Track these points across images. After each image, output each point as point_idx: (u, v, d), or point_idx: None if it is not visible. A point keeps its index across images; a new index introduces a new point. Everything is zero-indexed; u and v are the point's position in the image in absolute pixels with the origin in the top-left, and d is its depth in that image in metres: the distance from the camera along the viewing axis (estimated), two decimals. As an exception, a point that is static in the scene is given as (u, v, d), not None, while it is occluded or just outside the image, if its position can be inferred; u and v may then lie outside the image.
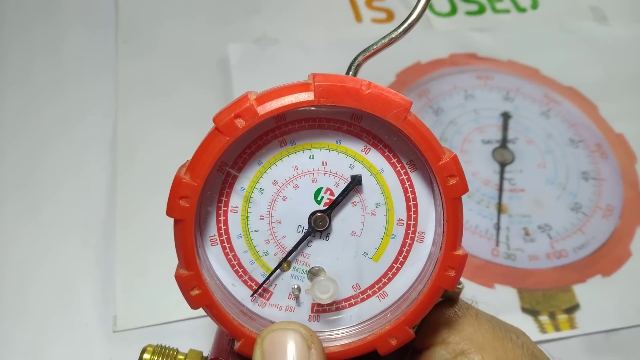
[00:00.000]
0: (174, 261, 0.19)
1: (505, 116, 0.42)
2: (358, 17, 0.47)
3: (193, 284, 0.19)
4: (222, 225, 0.20)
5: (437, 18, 0.48)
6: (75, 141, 0.39)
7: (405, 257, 0.21)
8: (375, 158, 0.20)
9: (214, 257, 0.20)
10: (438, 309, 0.22)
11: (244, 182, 0.20)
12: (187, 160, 0.18)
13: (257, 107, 0.18)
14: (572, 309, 0.34)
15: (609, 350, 0.33)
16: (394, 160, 0.20)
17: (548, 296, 0.34)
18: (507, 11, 0.49)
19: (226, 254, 0.20)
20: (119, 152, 0.38)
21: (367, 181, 0.20)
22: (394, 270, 0.21)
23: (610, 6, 0.51)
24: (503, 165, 0.39)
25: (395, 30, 0.24)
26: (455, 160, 0.19)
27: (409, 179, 0.20)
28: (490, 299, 0.34)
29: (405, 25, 0.24)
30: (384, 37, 0.23)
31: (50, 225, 0.35)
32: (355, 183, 0.20)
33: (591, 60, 0.46)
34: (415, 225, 0.21)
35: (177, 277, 0.19)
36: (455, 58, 0.45)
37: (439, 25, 0.47)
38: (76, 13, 0.45)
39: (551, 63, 0.45)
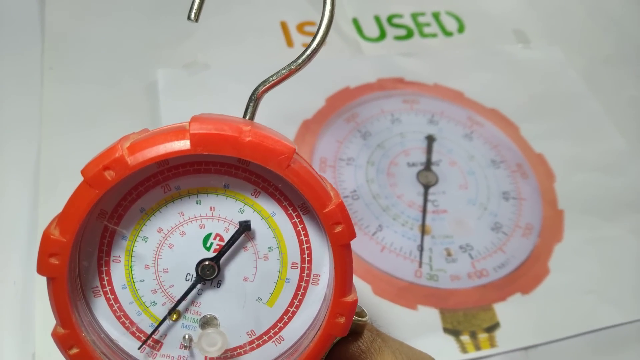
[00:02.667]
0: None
1: (430, 139, 0.42)
2: (289, 43, 0.47)
3: (71, 343, 0.18)
4: (104, 276, 0.19)
5: (367, 43, 0.48)
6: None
7: (300, 301, 0.20)
8: (266, 202, 0.19)
9: (98, 309, 0.19)
10: (342, 344, 0.21)
11: (126, 231, 0.19)
12: (58, 214, 0.17)
13: (128, 158, 0.17)
14: (492, 327, 0.34)
15: (527, 367, 0.33)
16: (285, 203, 0.20)
17: (469, 316, 0.34)
18: (434, 35, 0.50)
19: (110, 306, 0.19)
20: (42, 182, 0.37)
21: (258, 225, 0.20)
22: (289, 314, 0.20)
23: (533, 29, 0.52)
24: (427, 187, 0.39)
25: (294, 61, 0.23)
26: (340, 207, 0.18)
27: (301, 222, 0.20)
28: (413, 321, 0.34)
29: (304, 56, 0.23)
30: (284, 68, 0.23)
31: (-35, 260, 0.34)
32: (243, 229, 0.19)
33: (514, 82, 0.47)
34: (309, 268, 0.20)
35: (54, 336, 0.18)
36: (383, 82, 0.45)
37: (368, 50, 0.47)
38: (1, 37, 0.43)
39: (475, 86, 0.46)
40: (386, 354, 0.22)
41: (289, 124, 0.41)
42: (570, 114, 0.46)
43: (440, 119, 0.43)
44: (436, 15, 0.51)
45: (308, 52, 0.23)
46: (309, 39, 0.47)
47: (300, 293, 0.20)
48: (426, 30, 0.50)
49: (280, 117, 0.41)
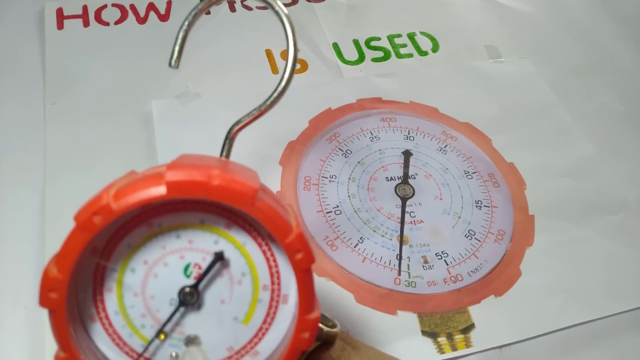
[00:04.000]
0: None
1: (407, 154, 0.44)
2: (274, 69, 0.50)
3: None
4: (99, 304, 0.22)
5: (347, 66, 0.51)
6: (5, 205, 0.40)
7: (272, 318, 0.22)
8: (238, 233, 0.22)
9: (95, 333, 0.22)
10: (315, 354, 0.24)
11: (116, 264, 0.21)
12: (56, 253, 0.20)
13: (113, 204, 0.19)
14: (467, 328, 0.36)
15: (501, 364, 0.35)
16: (254, 233, 0.22)
17: (445, 318, 0.36)
18: (410, 55, 0.52)
19: (106, 330, 0.22)
20: (48, 212, 0.39)
21: (232, 254, 0.22)
22: (263, 330, 0.22)
23: (504, 44, 0.54)
24: (404, 199, 0.42)
25: (264, 103, 0.26)
26: (299, 236, 0.20)
27: (269, 249, 0.22)
28: (393, 325, 0.36)
29: (272, 98, 0.26)
30: (254, 109, 0.25)
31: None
32: (217, 259, 0.21)
33: (486, 96, 0.49)
34: (279, 289, 0.22)
35: (56, 359, 0.20)
36: (362, 102, 0.48)
37: (348, 72, 0.50)
38: (4, 76, 0.46)
39: (449, 102, 0.48)
40: None
41: (276, 146, 0.44)
42: (540, 124, 0.48)
43: (416, 134, 0.46)
44: (411, 36, 0.54)
45: (275, 94, 0.26)
46: (293, 65, 0.50)
47: (272, 311, 0.22)
48: (402, 51, 0.52)
49: (269, 140, 0.44)
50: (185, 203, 0.21)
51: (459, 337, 0.35)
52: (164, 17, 0.52)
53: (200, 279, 0.21)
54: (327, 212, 0.40)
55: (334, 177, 0.43)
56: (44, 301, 0.20)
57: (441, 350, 0.35)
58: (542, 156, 0.45)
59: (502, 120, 0.48)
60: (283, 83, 0.25)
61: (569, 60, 0.55)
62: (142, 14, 0.52)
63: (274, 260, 0.22)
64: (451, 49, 0.53)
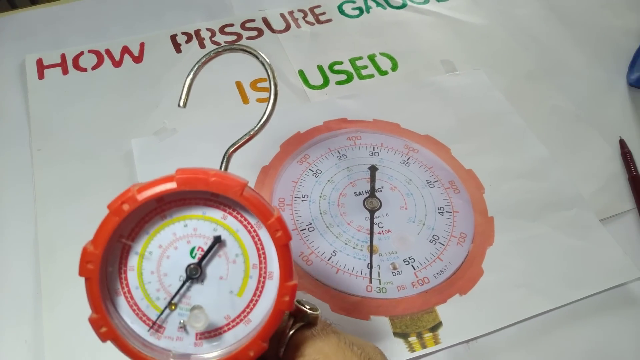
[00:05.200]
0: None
1: (372, 169, 0.47)
2: (245, 100, 0.53)
3: (101, 324, 0.26)
4: (123, 280, 0.27)
5: (312, 91, 0.54)
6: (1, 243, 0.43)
7: (261, 291, 0.27)
8: (232, 222, 0.27)
9: (119, 304, 0.27)
10: (299, 331, 0.28)
11: (137, 247, 0.27)
12: (92, 237, 0.26)
13: (137, 195, 0.25)
14: (435, 327, 0.39)
15: (469, 357, 0.38)
16: (245, 222, 0.27)
17: (415, 319, 0.39)
18: (371, 76, 0.56)
19: (128, 301, 0.27)
20: (41, 251, 0.42)
21: (228, 239, 0.27)
22: (254, 302, 0.27)
23: (458, 57, 0.58)
24: (372, 212, 0.45)
25: (253, 128, 0.31)
26: (279, 219, 0.26)
27: (257, 235, 0.27)
28: (366, 330, 0.39)
29: (261, 122, 0.31)
30: (246, 133, 0.31)
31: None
32: (215, 242, 0.27)
33: (443, 109, 0.53)
34: (265, 267, 0.27)
35: (90, 320, 0.26)
36: (329, 124, 0.51)
37: (314, 97, 0.53)
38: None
39: (410, 116, 0.51)
40: (332, 337, 0.28)
41: (251, 171, 0.47)
42: (496, 131, 0.51)
43: (380, 150, 0.49)
44: (372, 58, 0.57)
45: (263, 119, 0.31)
46: (262, 94, 0.54)
47: (260, 285, 0.27)
48: (364, 72, 0.56)
49: (243, 166, 0.47)
50: (191, 198, 0.27)
51: (428, 336, 0.38)
52: (137, 59, 0.55)
53: (202, 258, 0.27)
54: (301, 230, 0.43)
55: (306, 196, 0.46)
56: (82, 271, 0.25)
57: (412, 349, 0.38)
58: (499, 161, 0.49)
59: (460, 130, 0.51)
60: (268, 111, 0.31)
61: (522, 67, 0.58)
62: (117, 57, 0.55)
63: (261, 244, 0.27)
64: (409, 66, 0.57)
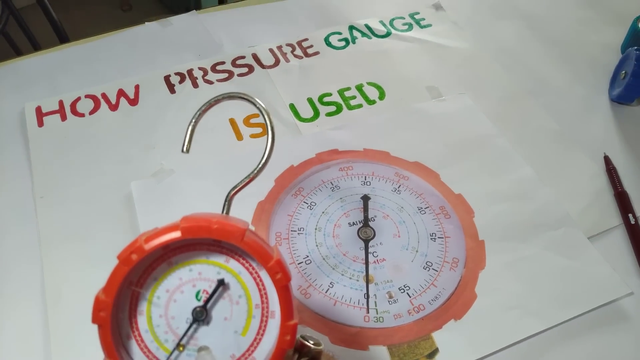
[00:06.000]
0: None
1: (365, 199, 0.49)
2: (239, 136, 0.54)
3: None
4: (134, 324, 0.29)
5: (304, 124, 0.55)
6: (7, 290, 0.44)
7: (264, 330, 0.29)
8: (234, 265, 0.29)
9: (131, 348, 0.29)
10: None
11: (146, 293, 0.29)
12: (103, 285, 0.28)
13: (144, 245, 0.27)
14: (432, 353, 0.40)
15: (467, 381, 0.39)
16: (247, 265, 0.29)
17: (412, 346, 0.40)
18: (359, 106, 0.57)
19: (139, 344, 0.29)
20: (48, 295, 0.43)
21: (231, 281, 0.29)
22: (257, 340, 0.29)
23: (443, 83, 0.60)
24: (366, 241, 0.46)
25: (252, 171, 0.34)
26: (278, 262, 0.28)
27: (259, 276, 0.29)
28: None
29: (260, 165, 0.34)
30: (247, 176, 0.34)
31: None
32: (219, 285, 0.29)
33: (431, 135, 0.54)
34: (267, 307, 0.29)
35: None
36: (321, 156, 0.52)
37: (305, 129, 0.55)
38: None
39: (399, 144, 0.53)
40: None
41: (247, 207, 0.48)
42: (482, 154, 0.52)
43: (372, 179, 0.50)
44: (359, 88, 0.59)
45: (261, 163, 0.34)
46: (255, 130, 0.55)
47: (263, 325, 0.29)
48: (352, 102, 0.57)
49: (245, 202, 0.48)
50: (195, 245, 0.29)
51: (426, 362, 0.39)
52: (133, 102, 0.57)
53: (207, 300, 0.29)
54: (298, 263, 0.45)
55: (302, 229, 0.47)
56: (95, 318, 0.27)
57: (411, 377, 0.39)
58: (487, 184, 0.50)
59: (448, 155, 0.52)
60: (266, 155, 0.34)
61: (506, 89, 0.60)
62: (113, 100, 0.57)
63: (263, 285, 0.29)
64: (396, 94, 0.58)
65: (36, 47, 1.11)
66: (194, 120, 0.37)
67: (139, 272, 0.29)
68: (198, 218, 0.28)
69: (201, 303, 0.29)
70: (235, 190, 0.34)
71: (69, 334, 0.41)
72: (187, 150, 0.36)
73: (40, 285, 0.44)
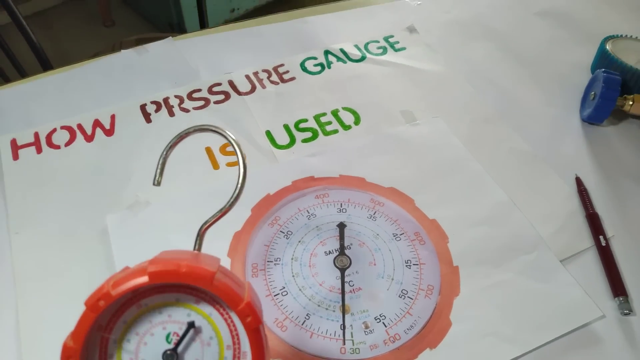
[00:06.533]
0: None
1: (341, 226, 0.49)
2: (215, 165, 0.54)
3: None
4: None
5: (280, 151, 0.55)
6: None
7: None
8: (205, 306, 0.29)
9: None
10: None
11: (115, 336, 0.29)
12: (71, 331, 0.28)
13: (111, 291, 0.27)
14: (408, 384, 0.40)
15: (443, 411, 0.39)
16: (217, 305, 0.29)
17: (388, 378, 0.40)
18: (335, 131, 0.57)
19: None
20: (23, 339, 0.43)
21: (202, 323, 0.29)
22: None
23: (417, 106, 0.60)
24: (342, 270, 0.46)
25: (225, 206, 0.34)
26: (248, 305, 0.28)
27: (229, 317, 0.29)
28: (342, 393, 0.39)
29: (232, 198, 0.34)
30: (218, 211, 0.34)
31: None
32: (189, 327, 0.29)
33: (406, 160, 0.54)
34: (239, 348, 0.29)
35: None
36: (297, 183, 0.52)
37: (282, 156, 0.55)
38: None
39: (374, 170, 0.53)
40: None
41: (223, 239, 0.48)
42: (456, 178, 0.53)
43: (348, 206, 0.50)
44: (335, 113, 0.59)
45: (233, 197, 0.34)
46: (231, 158, 0.55)
47: None
48: (328, 128, 0.58)
49: (220, 234, 0.48)
50: (164, 287, 0.29)
51: (402, 393, 0.39)
52: (109, 132, 0.57)
53: (178, 343, 0.29)
54: (274, 295, 0.45)
55: (278, 259, 0.47)
56: None
57: (388, 408, 0.39)
58: (461, 209, 0.50)
59: (422, 179, 0.53)
60: (238, 188, 0.34)
61: (479, 111, 0.60)
62: (89, 131, 0.57)
63: (234, 325, 0.29)
64: (371, 119, 0.59)
65: (19, 69, 1.11)
66: (164, 154, 0.37)
67: (107, 316, 0.29)
68: (166, 261, 0.28)
69: (172, 346, 0.29)
70: (207, 225, 0.33)
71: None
72: (159, 183, 0.37)
73: (15, 324, 0.43)
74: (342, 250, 0.47)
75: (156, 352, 0.29)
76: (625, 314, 0.44)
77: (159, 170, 0.37)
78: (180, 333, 0.29)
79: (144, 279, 0.27)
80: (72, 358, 0.27)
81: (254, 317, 0.28)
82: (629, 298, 0.45)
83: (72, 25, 2.15)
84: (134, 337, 0.29)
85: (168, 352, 0.28)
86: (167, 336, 0.29)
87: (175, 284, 0.29)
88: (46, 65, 1.05)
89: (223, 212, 0.34)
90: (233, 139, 0.36)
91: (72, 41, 2.05)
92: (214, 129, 0.37)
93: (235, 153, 0.36)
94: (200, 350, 0.29)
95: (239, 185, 0.35)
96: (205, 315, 0.29)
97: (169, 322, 0.29)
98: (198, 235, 0.33)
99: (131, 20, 2.19)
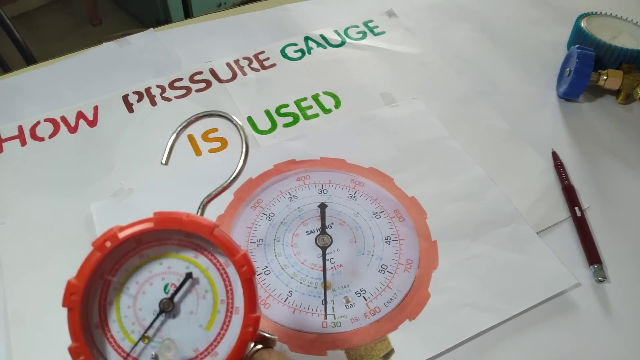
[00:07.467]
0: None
1: (322, 206, 0.50)
2: (197, 152, 0.55)
3: (79, 353, 0.28)
4: (102, 314, 0.30)
5: (262, 136, 0.56)
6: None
7: (227, 325, 0.30)
8: (203, 260, 0.30)
9: (97, 336, 0.29)
10: (259, 352, 0.31)
11: (116, 283, 0.29)
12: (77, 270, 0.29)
13: (119, 234, 0.28)
14: (388, 354, 0.41)
15: (423, 379, 0.40)
16: (214, 260, 0.30)
17: (369, 349, 0.41)
18: (316, 115, 0.58)
19: (105, 334, 0.30)
20: (11, 324, 0.43)
21: (199, 276, 0.30)
22: (221, 335, 0.30)
23: (397, 89, 0.61)
24: (324, 248, 0.47)
25: (226, 181, 0.36)
26: (244, 255, 0.29)
27: (225, 272, 0.30)
28: (324, 365, 0.40)
29: (233, 176, 0.36)
30: (220, 185, 0.36)
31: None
32: (187, 278, 0.30)
33: (385, 140, 0.55)
34: (232, 303, 0.30)
35: (69, 349, 0.28)
36: (279, 167, 0.53)
37: (264, 141, 0.56)
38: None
39: (354, 151, 0.54)
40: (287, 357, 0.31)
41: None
42: (434, 156, 0.54)
43: (328, 187, 0.51)
44: (315, 97, 0.60)
45: (234, 174, 0.36)
46: (213, 144, 0.56)
47: (227, 320, 0.30)
48: (309, 112, 0.58)
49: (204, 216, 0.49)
50: (166, 239, 0.30)
51: (382, 364, 0.40)
52: (92, 123, 0.57)
53: (175, 293, 0.30)
54: (258, 274, 0.45)
55: (261, 240, 0.48)
56: (66, 302, 0.28)
57: (368, 378, 0.40)
58: (439, 186, 0.51)
59: (402, 159, 0.54)
60: (240, 166, 0.36)
61: (456, 92, 0.61)
62: (72, 123, 0.57)
63: (229, 281, 0.30)
64: (351, 102, 0.59)
65: (4, 66, 1.11)
66: (174, 135, 0.38)
67: (111, 262, 0.29)
68: (170, 212, 0.29)
69: (168, 295, 0.29)
70: (210, 197, 0.35)
71: (32, 359, 0.41)
72: (167, 162, 0.38)
73: (3, 311, 0.44)
74: (323, 229, 0.48)
75: (154, 301, 0.29)
76: (600, 281, 0.45)
77: (167, 150, 0.38)
78: (178, 284, 0.30)
79: (149, 225, 0.28)
80: (75, 295, 0.28)
81: (249, 266, 0.29)
82: (603, 266, 0.46)
83: (60, 25, 2.15)
84: (134, 286, 0.29)
85: (164, 300, 0.29)
86: (165, 287, 0.30)
87: (177, 237, 0.30)
88: (32, 63, 1.05)
89: (224, 186, 0.36)
90: (238, 122, 0.38)
91: (59, 41, 2.05)
92: (221, 113, 0.39)
93: (239, 135, 0.38)
94: (195, 302, 0.30)
95: (241, 164, 0.36)
96: (202, 269, 0.30)
97: (168, 273, 0.30)
98: (201, 205, 0.35)
99: (118, 18, 2.19)
